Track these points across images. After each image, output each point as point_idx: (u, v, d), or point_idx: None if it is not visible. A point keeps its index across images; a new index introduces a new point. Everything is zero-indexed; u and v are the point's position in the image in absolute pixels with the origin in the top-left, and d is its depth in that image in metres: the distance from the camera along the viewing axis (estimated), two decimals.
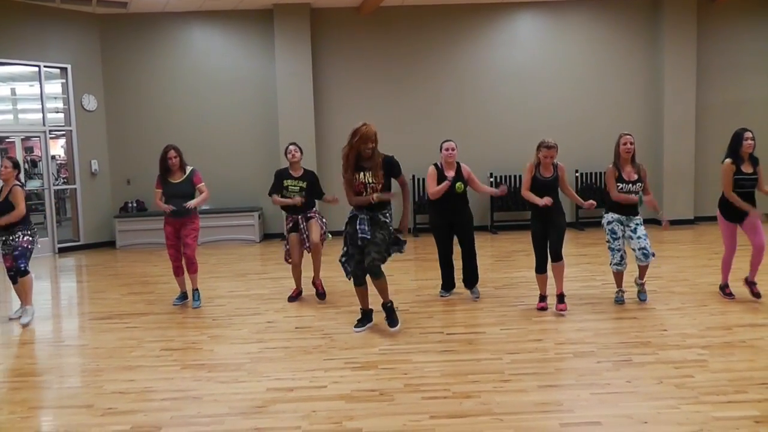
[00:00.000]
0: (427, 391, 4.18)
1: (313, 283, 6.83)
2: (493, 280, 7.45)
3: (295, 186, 6.59)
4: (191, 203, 6.46)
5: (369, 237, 5.28)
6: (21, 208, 6.15)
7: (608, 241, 6.10)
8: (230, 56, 11.66)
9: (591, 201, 5.88)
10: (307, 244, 6.61)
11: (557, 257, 5.89)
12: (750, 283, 6.17)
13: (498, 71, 11.79)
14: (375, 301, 5.62)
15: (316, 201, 6.80)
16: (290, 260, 6.74)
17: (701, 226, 11.36)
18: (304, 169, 6.71)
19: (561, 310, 5.88)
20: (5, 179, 6.22)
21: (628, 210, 6.04)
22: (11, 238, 6.23)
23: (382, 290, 5.46)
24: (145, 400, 4.20)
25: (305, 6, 11.22)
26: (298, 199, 6.42)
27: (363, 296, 5.59)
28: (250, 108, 11.71)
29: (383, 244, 5.35)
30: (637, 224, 6.03)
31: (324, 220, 6.79)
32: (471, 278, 6.56)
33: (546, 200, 5.71)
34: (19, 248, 6.22)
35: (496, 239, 10.88)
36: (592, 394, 4.05)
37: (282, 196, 6.61)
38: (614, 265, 6.08)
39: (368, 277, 5.44)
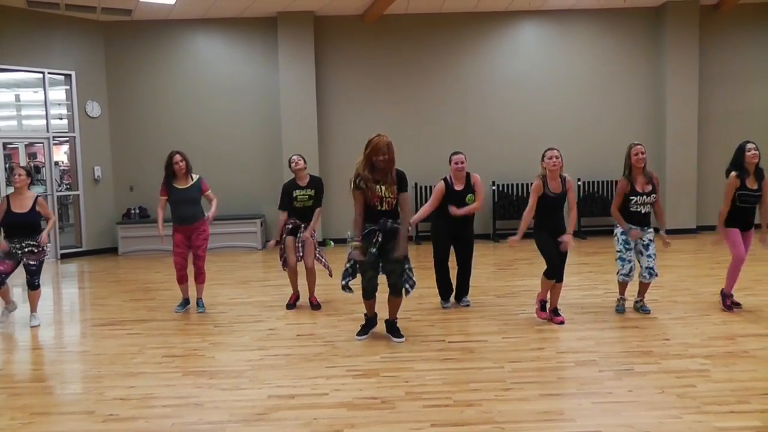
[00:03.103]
0: (428, 399, 4.17)
1: (308, 299, 6.83)
2: (494, 289, 7.44)
3: (304, 195, 6.59)
4: (211, 215, 6.65)
5: (381, 256, 5.23)
6: (52, 213, 6.50)
7: (620, 251, 5.99)
8: (234, 64, 11.71)
9: (567, 238, 5.76)
10: (300, 254, 6.59)
11: (560, 278, 5.87)
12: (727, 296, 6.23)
13: (501, 80, 11.82)
14: (379, 310, 5.65)
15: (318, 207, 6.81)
16: (286, 267, 6.71)
17: (703, 235, 11.35)
18: (310, 176, 6.72)
19: (561, 322, 5.83)
20: (19, 187, 6.21)
21: (640, 221, 5.95)
22: (34, 245, 6.24)
23: (396, 308, 5.51)
24: (147, 407, 4.20)
25: (309, 14, 11.27)
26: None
27: (371, 306, 5.59)
28: (253, 115, 11.75)
29: (404, 261, 5.30)
30: (649, 240, 5.95)
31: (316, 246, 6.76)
32: (462, 291, 6.60)
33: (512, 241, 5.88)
34: (38, 263, 6.30)
35: (498, 247, 10.87)
36: (594, 403, 4.04)
37: (293, 206, 6.61)
38: (622, 274, 6.00)
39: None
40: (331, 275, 6.71)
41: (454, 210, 6.21)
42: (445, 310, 6.50)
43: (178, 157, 6.53)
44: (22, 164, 6.87)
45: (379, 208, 5.20)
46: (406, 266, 5.37)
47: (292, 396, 4.30)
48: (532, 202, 5.82)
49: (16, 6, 10.24)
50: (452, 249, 6.52)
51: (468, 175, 6.33)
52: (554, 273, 5.78)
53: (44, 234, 6.29)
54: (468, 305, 6.59)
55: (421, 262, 9.10)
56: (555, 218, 5.84)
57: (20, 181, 6.20)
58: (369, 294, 5.44)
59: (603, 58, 11.80)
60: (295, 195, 6.60)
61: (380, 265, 5.33)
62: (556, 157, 5.71)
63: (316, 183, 6.69)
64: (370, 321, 5.64)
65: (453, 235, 6.40)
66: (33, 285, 6.35)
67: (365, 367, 4.82)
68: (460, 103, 11.78)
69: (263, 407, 4.12)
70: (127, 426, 3.91)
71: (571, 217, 5.91)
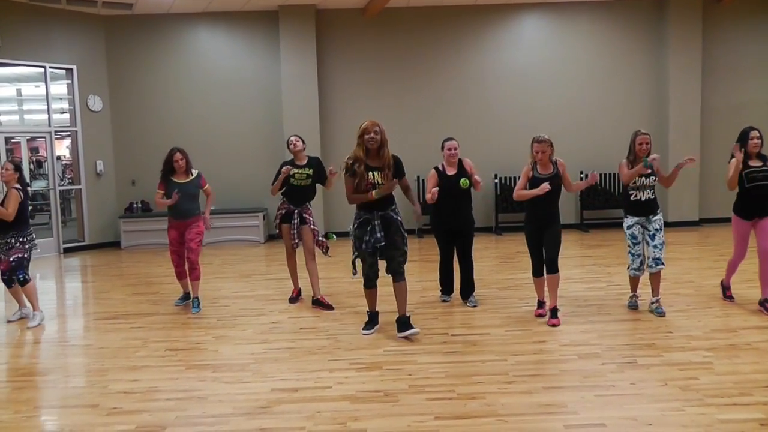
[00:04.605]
0: (431, 392, 4.18)
1: (318, 301, 6.49)
2: (497, 282, 7.44)
3: (302, 173, 6.51)
4: (207, 216, 6.53)
5: (384, 244, 5.23)
6: (9, 211, 5.97)
7: (629, 246, 5.87)
8: (235, 58, 11.69)
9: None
10: (296, 241, 6.53)
11: (553, 267, 5.63)
12: (763, 302, 5.83)
13: (503, 72, 11.78)
14: (380, 304, 5.64)
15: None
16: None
17: (706, 228, 11.32)
18: (309, 156, 6.66)
19: (554, 324, 5.56)
20: (6, 181, 6.14)
21: (647, 210, 5.83)
22: (4, 241, 6.15)
23: (404, 297, 5.36)
24: (150, 400, 4.21)
25: (310, 7, 11.23)
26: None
27: (372, 298, 5.56)
28: (255, 109, 11.73)
29: (403, 246, 5.34)
30: (656, 229, 5.79)
31: (315, 228, 6.60)
32: (467, 289, 6.48)
33: (544, 187, 5.41)
34: (14, 259, 6.11)
35: (500, 240, 10.86)
36: (597, 395, 4.05)
37: (289, 184, 6.50)
38: (632, 269, 5.89)
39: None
40: (326, 252, 6.61)
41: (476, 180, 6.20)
42: (448, 303, 6.50)
43: (178, 156, 6.51)
44: (16, 159, 6.78)
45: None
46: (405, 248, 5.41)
47: (295, 389, 4.31)
48: (520, 183, 5.71)
49: (18, 0, 10.21)
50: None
51: (460, 161, 6.32)
52: (538, 272, 5.79)
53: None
54: (475, 306, 6.34)
55: (423, 255, 9.11)
56: (544, 206, 5.63)
57: (6, 176, 6.12)
58: (370, 282, 5.44)
59: (605, 50, 11.75)
60: (293, 173, 6.49)
61: (379, 251, 5.33)
62: (544, 152, 5.57)
63: (314, 162, 6.60)
64: (374, 317, 5.61)
65: (453, 230, 6.37)
66: (20, 280, 6.17)
67: (368, 360, 4.82)
68: (461, 95, 11.75)
69: (266, 400, 4.13)
70: (130, 419, 3.92)
71: (575, 187, 5.84)
